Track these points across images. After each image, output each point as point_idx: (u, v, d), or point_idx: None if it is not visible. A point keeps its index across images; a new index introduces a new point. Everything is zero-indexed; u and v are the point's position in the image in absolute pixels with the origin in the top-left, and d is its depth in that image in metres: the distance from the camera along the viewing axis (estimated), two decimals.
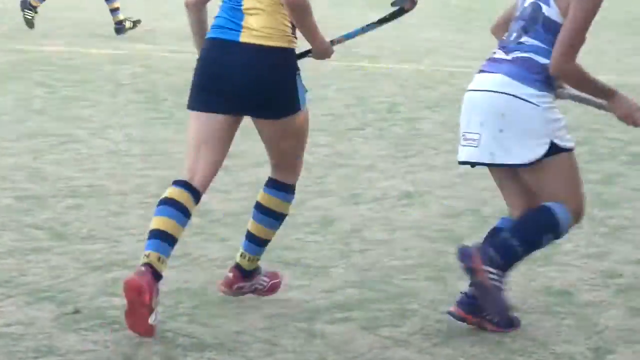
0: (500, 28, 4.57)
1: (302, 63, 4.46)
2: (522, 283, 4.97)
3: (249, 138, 5.17)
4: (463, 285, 4.47)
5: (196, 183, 4.35)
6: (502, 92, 4.28)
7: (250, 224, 4.65)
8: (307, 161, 7.14)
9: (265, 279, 4.73)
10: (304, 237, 5.62)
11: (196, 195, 4.34)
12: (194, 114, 4.40)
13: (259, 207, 4.61)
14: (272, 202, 4.60)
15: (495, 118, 4.28)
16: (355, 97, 9.46)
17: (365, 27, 4.88)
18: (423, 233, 5.74)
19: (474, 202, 6.21)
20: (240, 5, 4.33)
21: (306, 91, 4.51)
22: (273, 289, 4.74)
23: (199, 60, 4.44)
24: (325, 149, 7.61)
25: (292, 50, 4.41)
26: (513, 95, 4.26)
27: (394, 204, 6.21)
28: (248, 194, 6.32)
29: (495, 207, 6.19)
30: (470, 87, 4.45)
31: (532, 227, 4.34)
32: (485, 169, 4.50)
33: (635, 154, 7.63)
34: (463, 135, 4.39)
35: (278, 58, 4.36)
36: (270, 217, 4.60)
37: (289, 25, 4.35)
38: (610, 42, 13.01)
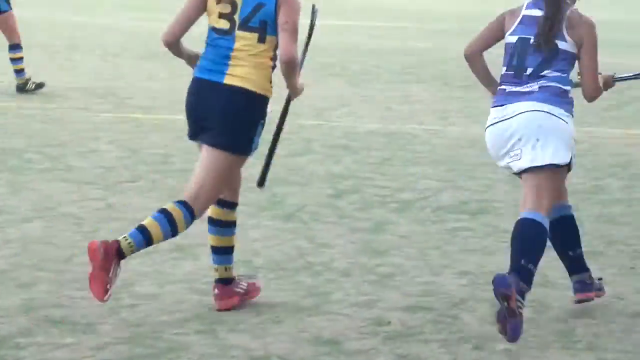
0: (478, 55, 5.40)
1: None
2: (292, 333, 5.00)
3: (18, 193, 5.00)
4: (234, 337, 4.44)
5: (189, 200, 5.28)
6: (539, 110, 5.08)
7: (211, 239, 5.42)
8: (78, 215, 7.05)
9: (243, 284, 5.46)
10: (73, 293, 5.48)
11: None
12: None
13: (211, 221, 5.40)
14: (221, 214, 5.39)
15: (533, 130, 5.07)
16: (128, 148, 9.34)
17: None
18: (194, 286, 5.70)
19: (246, 253, 6.22)
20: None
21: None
22: (253, 292, 5.48)
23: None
24: (98, 202, 7.48)
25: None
26: (549, 113, 5.07)
27: (165, 257, 6.14)
28: (17, 251, 6.15)
29: (267, 257, 6.23)
30: (496, 119, 5.17)
31: (541, 245, 5.08)
32: None
33: (404, 201, 7.82)
34: (508, 154, 5.14)
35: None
36: (223, 227, 5.40)
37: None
38: (380, 90, 13.35)
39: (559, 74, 5.16)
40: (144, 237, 5.07)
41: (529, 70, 5.17)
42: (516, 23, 5.25)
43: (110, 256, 4.92)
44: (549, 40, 5.14)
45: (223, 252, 5.45)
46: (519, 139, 5.11)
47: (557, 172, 5.15)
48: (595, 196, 8.08)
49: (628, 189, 8.33)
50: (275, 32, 5.14)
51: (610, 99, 12.68)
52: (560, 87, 5.14)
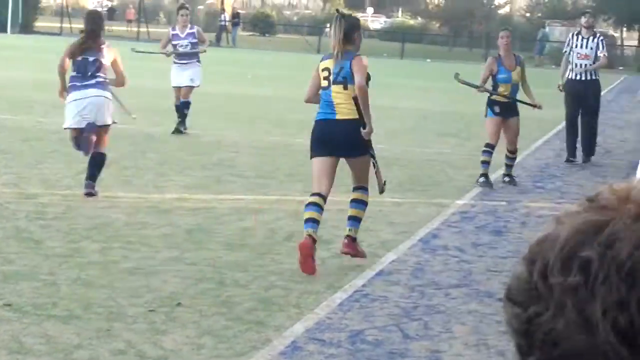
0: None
1: None
2: None
3: None
4: None
5: (323, 192, 8.44)
6: None
7: (350, 211, 8.59)
8: None
9: (360, 247, 8.54)
10: None
11: (324, 198, 8.43)
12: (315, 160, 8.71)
13: (353, 200, 8.64)
14: (359, 195, 8.62)
15: None
16: None
17: None
18: None
19: None
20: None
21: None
22: (361, 254, 8.48)
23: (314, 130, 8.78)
24: None
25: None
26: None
27: None
28: None
29: None
30: None
31: None
32: None
33: None
34: None
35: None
36: (360, 204, 8.60)
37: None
38: None
39: None
40: (317, 225, 8.22)
41: None
42: None
43: (313, 246, 8.05)
44: None
45: (355, 220, 8.51)
46: None
47: None
48: (72, 259, 8.08)
49: (105, 251, 8.42)
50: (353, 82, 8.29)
51: (85, 162, 12.87)
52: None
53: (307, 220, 8.17)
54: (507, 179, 13.01)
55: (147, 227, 9.45)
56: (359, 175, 8.61)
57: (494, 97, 12.76)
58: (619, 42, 61.97)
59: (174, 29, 16.86)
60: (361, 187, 8.57)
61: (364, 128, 8.30)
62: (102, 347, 6.06)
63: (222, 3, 62.48)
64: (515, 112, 12.85)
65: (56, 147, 14.12)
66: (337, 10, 8.72)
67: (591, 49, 15.14)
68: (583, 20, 15.91)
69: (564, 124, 16.31)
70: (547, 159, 15.66)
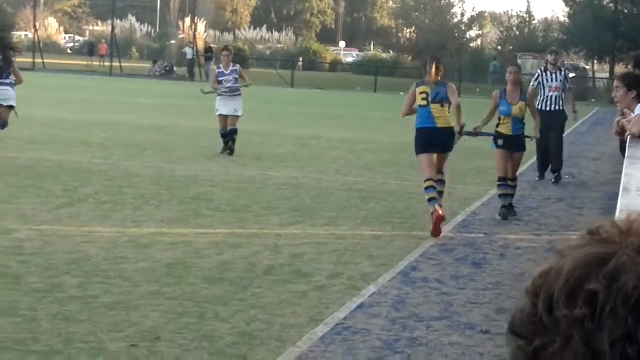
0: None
1: None
2: None
3: None
4: None
5: (432, 177, 11.70)
6: None
7: (438, 187, 11.75)
8: None
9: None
10: None
11: (434, 180, 11.66)
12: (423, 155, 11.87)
13: (439, 180, 11.83)
14: (442, 176, 11.90)
15: None
16: None
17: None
18: None
19: None
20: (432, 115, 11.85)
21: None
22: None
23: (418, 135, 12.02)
24: None
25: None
26: None
27: None
28: None
29: None
30: None
31: None
32: None
33: None
34: None
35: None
36: (443, 182, 11.94)
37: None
38: None
39: None
40: (438, 200, 11.57)
41: None
42: None
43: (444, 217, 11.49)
44: None
45: (440, 195, 11.75)
46: None
47: None
48: (51, 294, 8.03)
49: (84, 286, 8.37)
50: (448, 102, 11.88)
51: (62, 197, 12.82)
52: None
53: (430, 199, 11.49)
54: (504, 210, 13.04)
55: (125, 261, 9.40)
56: (442, 164, 12.08)
57: (499, 129, 13.12)
58: (590, 75, 62.47)
59: (219, 67, 19.82)
60: (441, 171, 12.05)
61: (459, 128, 11.86)
62: None
63: (194, 37, 62.55)
64: (520, 147, 13.14)
65: (31, 182, 14.06)
66: (430, 56, 12.49)
67: (560, 81, 17.06)
68: (549, 57, 17.76)
69: (535, 157, 17.77)
70: (523, 191, 15.68)
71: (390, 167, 18.03)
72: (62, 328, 7.10)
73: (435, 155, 11.86)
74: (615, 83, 9.29)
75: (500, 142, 13.03)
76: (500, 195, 13.07)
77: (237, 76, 19.31)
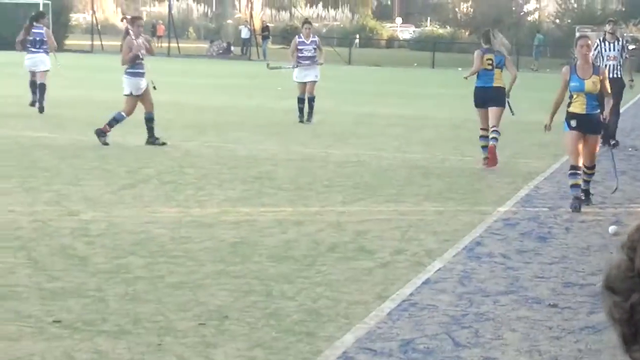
0: None
1: None
2: None
3: None
4: None
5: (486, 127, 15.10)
6: None
7: (492, 135, 14.97)
8: None
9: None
10: None
11: (487, 131, 15.07)
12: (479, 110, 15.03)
13: (493, 131, 14.93)
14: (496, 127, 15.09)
15: None
16: None
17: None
18: None
19: None
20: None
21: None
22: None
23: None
24: None
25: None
26: None
27: None
28: None
29: None
30: None
31: None
32: None
33: None
34: None
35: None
36: (498, 133, 15.12)
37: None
38: None
39: None
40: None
41: None
42: None
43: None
44: None
45: (496, 137, 14.87)
46: None
47: None
48: (118, 275, 8.10)
49: (150, 266, 8.43)
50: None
51: (126, 178, 12.92)
52: None
53: (484, 146, 15.13)
54: (582, 196, 11.78)
55: (190, 241, 9.45)
56: (497, 118, 14.65)
57: (570, 109, 11.64)
58: None
59: (300, 37, 21.70)
60: (496, 127, 14.57)
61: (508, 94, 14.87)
62: None
63: (251, 17, 62.64)
64: (596, 128, 11.76)
65: (95, 165, 14.18)
66: (489, 30, 15.49)
67: (617, 50, 18.05)
68: (608, 27, 18.68)
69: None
70: None
71: (450, 143, 17.93)
72: (130, 308, 7.16)
73: (486, 110, 14.83)
74: None
75: (573, 123, 11.55)
76: (572, 186, 11.66)
77: (316, 47, 21.32)
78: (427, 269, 8.59)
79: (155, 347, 6.32)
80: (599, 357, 6.37)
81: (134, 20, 17.01)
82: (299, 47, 21.30)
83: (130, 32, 16.27)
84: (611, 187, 13.12)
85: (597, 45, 18.06)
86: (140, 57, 16.23)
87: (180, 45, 59.67)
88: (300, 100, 21.29)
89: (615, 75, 17.65)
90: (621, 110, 19.92)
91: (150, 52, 16.73)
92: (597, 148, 12.03)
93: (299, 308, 7.31)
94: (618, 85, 17.75)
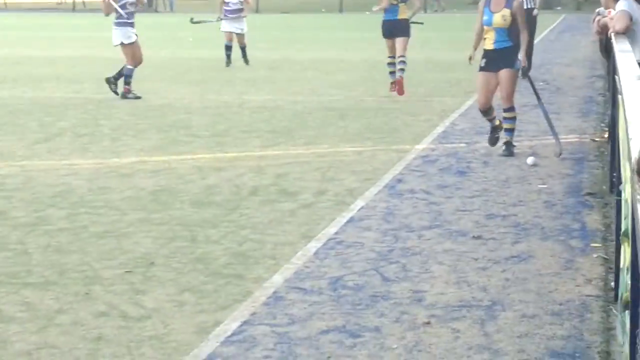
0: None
1: None
2: None
3: None
4: None
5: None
6: None
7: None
8: None
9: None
10: None
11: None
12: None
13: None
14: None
15: None
16: None
17: None
18: None
19: None
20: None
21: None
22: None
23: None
24: None
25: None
26: None
27: None
28: None
29: None
30: None
31: None
32: None
33: None
34: None
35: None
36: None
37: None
38: None
39: None
40: None
41: None
42: None
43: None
44: None
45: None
46: None
47: None
48: (39, 227, 7.97)
49: (72, 217, 8.31)
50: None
51: (39, 132, 12.71)
52: None
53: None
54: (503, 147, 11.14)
55: (110, 191, 9.34)
56: (403, 47, 15.80)
57: (483, 47, 10.96)
58: None
59: None
60: (403, 58, 15.84)
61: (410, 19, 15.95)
62: (84, 310, 5.98)
63: None
64: (506, 64, 10.86)
65: (6, 120, 13.91)
66: None
67: None
68: None
69: None
70: (498, 100, 15.69)
71: (364, 85, 17.93)
72: (55, 259, 7.06)
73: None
74: None
75: (482, 62, 10.96)
76: (491, 129, 11.30)
77: (242, 0, 21.97)
78: (350, 208, 8.60)
79: (84, 296, 6.25)
80: (526, 285, 6.45)
81: None
82: (226, 0, 21.85)
83: None
84: (525, 120, 13.26)
85: None
86: (122, 9, 16.42)
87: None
88: (227, 48, 21.87)
89: (527, 6, 17.91)
90: (535, 42, 20.23)
91: (140, 2, 16.65)
92: (512, 87, 11.02)
93: (225, 252, 7.28)
94: (531, 17, 18.20)
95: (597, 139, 12.00)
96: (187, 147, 11.72)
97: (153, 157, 11.10)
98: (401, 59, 15.88)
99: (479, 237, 7.61)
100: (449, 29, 33.23)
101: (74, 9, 56.01)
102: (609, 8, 8.98)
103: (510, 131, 11.20)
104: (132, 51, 16.35)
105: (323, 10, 53.07)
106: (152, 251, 7.28)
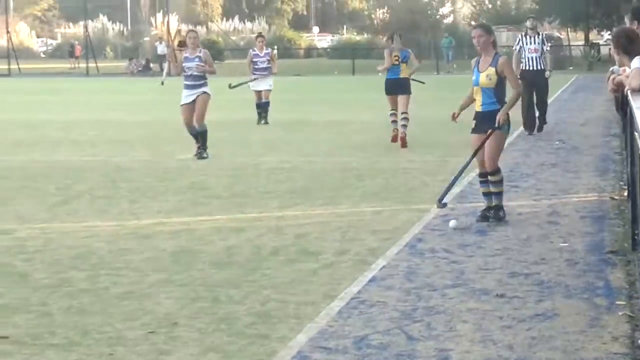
0: None
1: None
2: None
3: None
4: None
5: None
6: None
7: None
8: None
9: None
10: None
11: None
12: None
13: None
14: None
15: None
16: None
17: None
18: None
19: None
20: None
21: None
22: None
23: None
24: None
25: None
26: None
27: None
28: None
29: None
30: None
31: None
32: None
33: None
34: None
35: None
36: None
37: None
38: None
39: None
40: None
41: None
42: None
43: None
44: None
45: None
46: None
47: None
48: (61, 289, 7.95)
49: (93, 279, 8.29)
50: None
51: (57, 195, 12.74)
52: None
53: (393, 122, 17.78)
54: (490, 213, 10.64)
55: (130, 252, 9.33)
56: (405, 104, 17.56)
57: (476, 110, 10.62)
58: (565, 43, 62.54)
59: (254, 50, 24.02)
60: (406, 114, 17.47)
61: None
62: None
63: (168, 33, 62.32)
64: (490, 126, 10.39)
65: (24, 184, 13.95)
66: (393, 32, 18.11)
67: (538, 43, 19.30)
68: (528, 23, 20.10)
69: (521, 128, 19.59)
70: (516, 159, 15.70)
71: (380, 145, 17.98)
72: (77, 320, 7.03)
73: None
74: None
75: (473, 124, 10.71)
76: (483, 195, 10.77)
77: (269, 58, 23.58)
78: (371, 267, 8.57)
79: (108, 357, 6.21)
80: (552, 343, 6.40)
81: (187, 34, 17.92)
82: (254, 60, 23.54)
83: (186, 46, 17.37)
84: (544, 179, 13.26)
85: (519, 40, 19.54)
86: (184, 71, 17.08)
87: (98, 64, 59.13)
88: (258, 106, 23.36)
89: (538, 67, 19.28)
90: (548, 102, 20.38)
91: (199, 69, 16.83)
92: (496, 149, 10.49)
93: (248, 311, 7.24)
94: (543, 77, 19.36)
95: (616, 197, 11.96)
96: (205, 209, 11.72)
97: (172, 218, 11.10)
98: (404, 115, 17.48)
99: (502, 296, 7.56)
100: (456, 90, 33.35)
101: (87, 73, 56.48)
102: (623, 66, 9.00)
103: (498, 195, 10.62)
104: (189, 110, 16.83)
105: (335, 72, 53.41)
106: (174, 311, 7.25)
